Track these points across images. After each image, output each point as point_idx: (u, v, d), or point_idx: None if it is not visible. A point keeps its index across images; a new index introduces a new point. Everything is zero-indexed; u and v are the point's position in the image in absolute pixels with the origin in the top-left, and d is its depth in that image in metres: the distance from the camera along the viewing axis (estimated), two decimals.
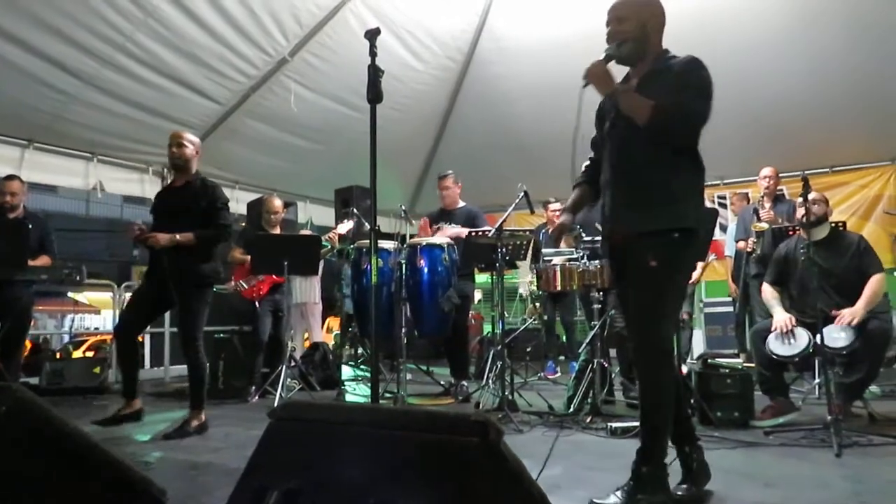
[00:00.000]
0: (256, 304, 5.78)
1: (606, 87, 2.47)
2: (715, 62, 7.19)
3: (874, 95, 6.69)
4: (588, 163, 2.84)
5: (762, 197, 5.82)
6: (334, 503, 1.25)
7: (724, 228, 7.54)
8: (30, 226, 5.10)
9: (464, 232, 5.27)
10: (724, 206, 8.33)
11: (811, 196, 4.04)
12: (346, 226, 6.09)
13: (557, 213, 7.09)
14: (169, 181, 4.28)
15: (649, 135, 2.34)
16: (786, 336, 3.96)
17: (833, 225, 4.26)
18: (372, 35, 2.49)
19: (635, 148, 2.43)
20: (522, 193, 4.90)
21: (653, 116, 2.30)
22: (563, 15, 6.71)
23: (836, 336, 3.76)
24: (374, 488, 1.19)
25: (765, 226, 5.43)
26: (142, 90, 5.97)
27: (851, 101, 6.84)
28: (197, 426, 4.01)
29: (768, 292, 4.29)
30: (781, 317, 4.05)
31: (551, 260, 4.96)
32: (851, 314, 3.81)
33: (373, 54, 2.48)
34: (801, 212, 4.11)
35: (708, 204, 8.38)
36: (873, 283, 3.90)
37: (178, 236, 3.93)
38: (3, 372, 4.59)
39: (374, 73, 2.48)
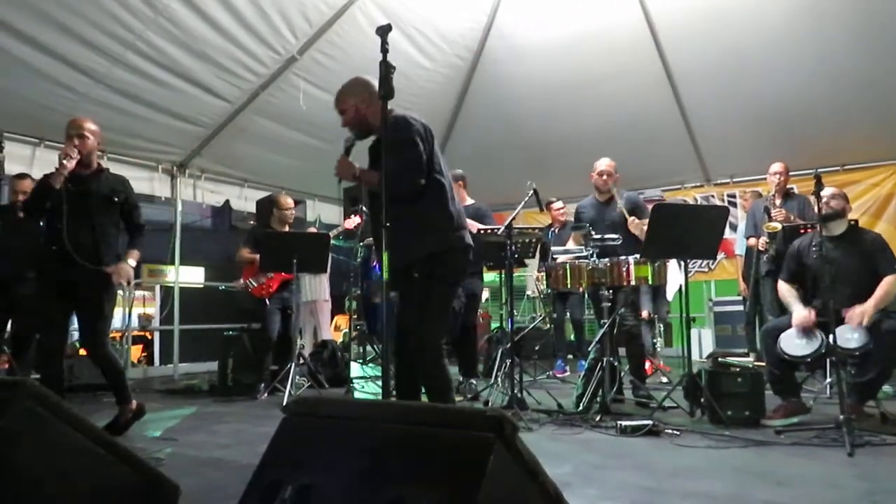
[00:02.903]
0: (266, 301, 5.80)
1: (351, 176, 3.05)
2: (725, 60, 7.21)
3: (885, 93, 6.64)
4: None
5: (773, 194, 5.79)
6: (348, 499, 1.25)
7: (734, 227, 7.51)
8: (41, 223, 5.13)
9: (473, 226, 5.26)
10: (734, 204, 8.29)
11: (830, 191, 4.01)
12: (353, 221, 6.11)
13: (561, 211, 7.11)
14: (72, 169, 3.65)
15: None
16: (800, 335, 3.91)
17: (851, 222, 4.22)
18: (383, 32, 2.49)
19: None
20: (532, 191, 4.89)
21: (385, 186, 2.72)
22: (572, 13, 6.70)
23: (849, 336, 3.72)
24: (388, 484, 1.19)
25: (777, 226, 5.38)
26: (152, 88, 5.99)
27: (862, 99, 6.79)
28: (130, 416, 3.89)
29: (785, 289, 4.25)
30: (802, 312, 3.97)
31: (557, 258, 4.96)
32: (861, 313, 3.76)
33: (384, 51, 2.48)
34: (815, 207, 4.09)
35: (717, 202, 8.36)
36: (886, 284, 3.85)
37: (132, 262, 3.85)
38: (14, 367, 4.62)
39: (386, 69, 2.48)
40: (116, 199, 3.88)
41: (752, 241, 5.85)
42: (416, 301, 2.96)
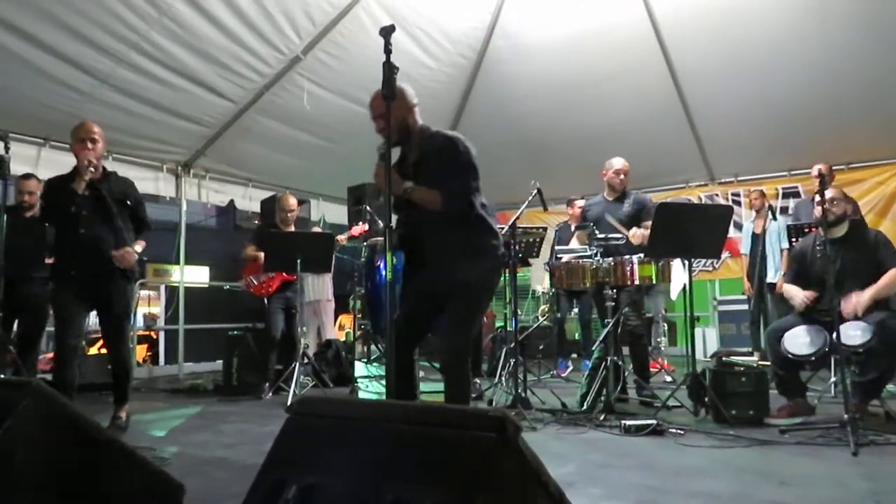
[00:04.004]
0: (265, 300, 5.81)
1: (402, 191, 2.95)
2: (729, 58, 7.20)
3: (889, 91, 6.62)
4: None
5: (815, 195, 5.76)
6: (352, 498, 1.26)
7: (738, 226, 7.50)
8: (46, 224, 5.16)
9: None
10: (738, 203, 8.26)
11: (832, 194, 4.01)
12: (359, 228, 6.11)
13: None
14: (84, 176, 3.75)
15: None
16: (804, 333, 3.91)
17: (851, 221, 4.21)
18: (387, 32, 2.49)
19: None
20: (535, 191, 4.88)
21: (443, 205, 2.92)
22: (575, 12, 6.69)
23: (852, 333, 3.71)
24: (391, 484, 1.19)
25: None
26: (156, 88, 6.01)
27: (867, 97, 6.77)
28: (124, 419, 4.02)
29: (787, 287, 4.26)
30: (801, 294, 4.00)
31: (562, 257, 4.96)
32: (856, 303, 3.78)
33: (388, 51, 2.48)
34: (818, 210, 4.08)
35: (722, 201, 8.35)
36: (889, 276, 3.86)
37: (139, 245, 3.98)
38: (20, 367, 4.64)
39: (389, 69, 2.48)
40: (129, 202, 4.03)
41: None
42: (455, 310, 3.00)
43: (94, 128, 3.92)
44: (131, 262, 3.90)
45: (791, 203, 7.81)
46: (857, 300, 3.80)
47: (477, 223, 3.10)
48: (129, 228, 4.01)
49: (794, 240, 5.55)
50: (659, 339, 6.95)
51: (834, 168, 7.33)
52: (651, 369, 5.95)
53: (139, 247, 3.99)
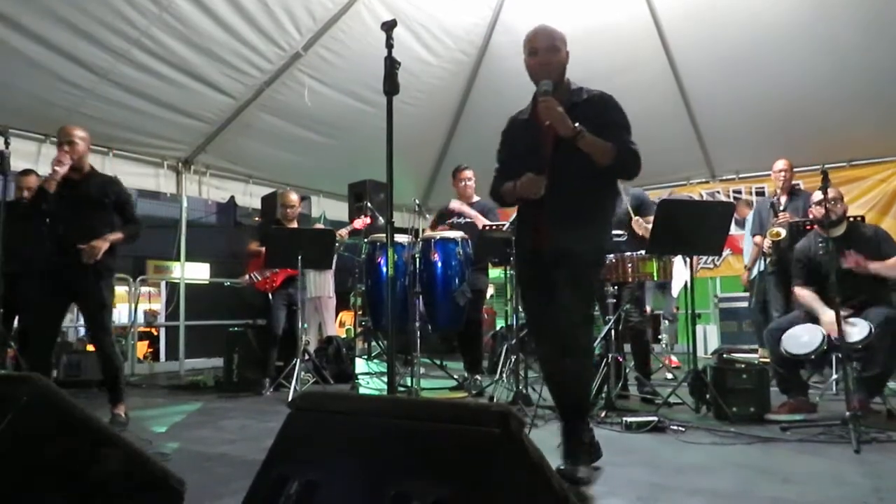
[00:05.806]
0: (270, 296, 5.80)
1: (568, 129, 2.68)
2: (733, 55, 7.14)
3: (892, 89, 6.60)
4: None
5: (777, 192, 5.76)
6: (354, 494, 1.25)
7: (739, 223, 7.47)
8: (46, 220, 5.15)
9: (479, 222, 5.25)
10: (739, 200, 8.25)
11: (832, 193, 4.00)
12: (361, 221, 6.10)
13: None
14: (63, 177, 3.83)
15: (604, 170, 2.76)
16: (801, 333, 3.92)
17: (850, 220, 4.21)
18: (389, 27, 2.49)
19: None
20: None
21: (615, 159, 2.73)
22: (576, 9, 6.67)
23: (851, 330, 3.70)
24: (394, 479, 1.19)
25: (783, 232, 5.31)
26: (157, 85, 5.99)
27: (869, 94, 6.75)
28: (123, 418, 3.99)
29: (806, 294, 4.19)
30: (831, 318, 3.79)
31: None
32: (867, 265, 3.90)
33: (389, 46, 2.48)
34: (819, 210, 4.08)
35: (723, 198, 8.33)
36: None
37: (111, 237, 3.95)
38: (20, 363, 4.63)
39: (391, 65, 2.48)
40: (107, 200, 4.03)
41: (759, 239, 5.80)
42: (569, 296, 2.75)
43: (73, 130, 3.96)
44: (95, 255, 3.85)
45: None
46: (876, 266, 3.91)
47: (616, 195, 2.97)
48: (109, 226, 4.00)
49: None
50: (661, 336, 6.95)
51: (835, 165, 7.36)
52: (672, 366, 6.00)
53: (113, 237, 3.97)
